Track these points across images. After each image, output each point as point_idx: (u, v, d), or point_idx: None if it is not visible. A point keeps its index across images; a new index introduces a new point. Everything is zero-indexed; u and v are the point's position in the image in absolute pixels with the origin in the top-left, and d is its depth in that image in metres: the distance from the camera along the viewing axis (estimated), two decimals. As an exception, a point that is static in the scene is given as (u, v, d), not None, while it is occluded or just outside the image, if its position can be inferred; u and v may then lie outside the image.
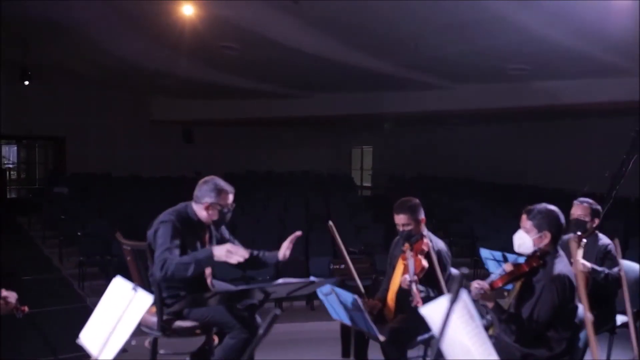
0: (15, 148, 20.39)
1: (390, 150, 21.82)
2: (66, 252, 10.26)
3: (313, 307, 7.81)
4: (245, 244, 4.06)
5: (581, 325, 3.43)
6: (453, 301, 1.56)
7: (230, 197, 3.91)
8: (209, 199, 3.85)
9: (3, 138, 18.56)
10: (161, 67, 13.62)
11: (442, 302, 2.85)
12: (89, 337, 2.90)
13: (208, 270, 3.97)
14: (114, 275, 3.08)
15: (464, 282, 4.01)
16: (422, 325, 3.90)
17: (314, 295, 7.47)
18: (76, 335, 3.33)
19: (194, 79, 14.68)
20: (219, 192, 3.87)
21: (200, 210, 3.89)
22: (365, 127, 21.22)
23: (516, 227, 3.61)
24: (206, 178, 3.96)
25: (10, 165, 19.88)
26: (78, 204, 13.01)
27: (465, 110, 14.53)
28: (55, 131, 17.61)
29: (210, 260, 3.63)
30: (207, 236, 3.98)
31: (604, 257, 4.54)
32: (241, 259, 3.63)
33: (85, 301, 7.93)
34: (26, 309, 3.38)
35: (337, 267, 7.37)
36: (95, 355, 2.92)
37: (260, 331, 1.84)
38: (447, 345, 2.69)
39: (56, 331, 6.42)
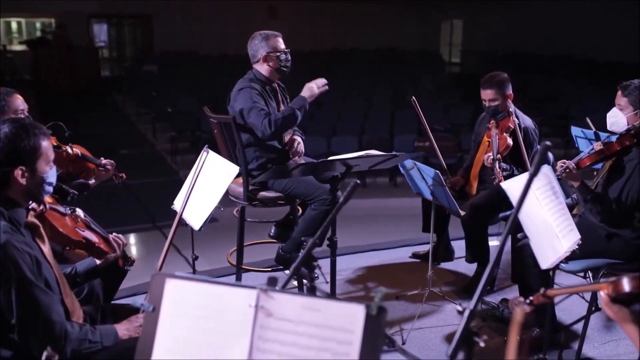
0: (106, 27, 20.76)
1: (483, 25, 20.69)
2: (159, 127, 10.71)
3: (396, 184, 7.90)
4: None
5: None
6: (534, 174, 1.52)
7: (280, 40, 3.94)
8: (262, 51, 3.88)
9: (94, 17, 18.96)
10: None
11: (524, 177, 2.83)
12: (181, 203, 3.08)
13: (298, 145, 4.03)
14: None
15: (549, 157, 3.92)
16: (503, 202, 3.91)
17: (397, 172, 7.55)
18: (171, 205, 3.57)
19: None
20: (266, 38, 3.90)
21: (261, 67, 3.93)
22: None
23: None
24: (251, 36, 3.98)
25: (102, 44, 20.33)
26: (168, 81, 13.35)
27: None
28: (142, 9, 17.75)
29: (306, 101, 3.83)
30: (279, 95, 4.04)
31: None
32: (325, 81, 3.89)
33: (178, 174, 8.34)
34: (124, 176, 3.60)
35: (422, 144, 7.34)
36: (189, 219, 3.13)
37: (341, 199, 1.84)
38: (528, 220, 2.68)
39: (152, 201, 6.84)
